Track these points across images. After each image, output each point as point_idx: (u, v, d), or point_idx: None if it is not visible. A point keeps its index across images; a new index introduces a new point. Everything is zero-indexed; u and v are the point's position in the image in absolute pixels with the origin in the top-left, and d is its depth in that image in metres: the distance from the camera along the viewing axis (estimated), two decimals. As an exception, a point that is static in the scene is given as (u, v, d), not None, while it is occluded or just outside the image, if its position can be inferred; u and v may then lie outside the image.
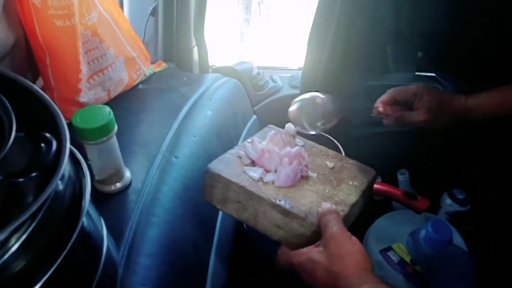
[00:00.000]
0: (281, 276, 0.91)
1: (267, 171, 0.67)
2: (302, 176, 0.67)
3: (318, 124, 0.72)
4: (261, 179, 0.65)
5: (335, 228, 0.56)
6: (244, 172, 0.66)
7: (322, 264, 0.54)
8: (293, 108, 0.72)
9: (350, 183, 0.69)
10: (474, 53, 0.98)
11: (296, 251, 0.59)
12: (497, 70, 0.87)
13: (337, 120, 0.72)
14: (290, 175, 0.65)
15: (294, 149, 0.69)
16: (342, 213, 0.61)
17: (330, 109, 0.72)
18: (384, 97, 0.83)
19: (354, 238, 0.56)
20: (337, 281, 0.52)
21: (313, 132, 0.74)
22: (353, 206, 0.64)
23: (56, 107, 0.44)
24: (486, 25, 0.93)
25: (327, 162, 0.73)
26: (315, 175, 0.69)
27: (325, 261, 0.54)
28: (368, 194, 0.73)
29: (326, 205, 0.60)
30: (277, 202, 0.60)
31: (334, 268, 0.53)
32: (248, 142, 0.70)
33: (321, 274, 0.54)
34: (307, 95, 0.73)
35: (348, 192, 0.67)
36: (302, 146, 0.76)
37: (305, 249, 0.58)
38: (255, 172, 0.66)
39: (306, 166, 0.69)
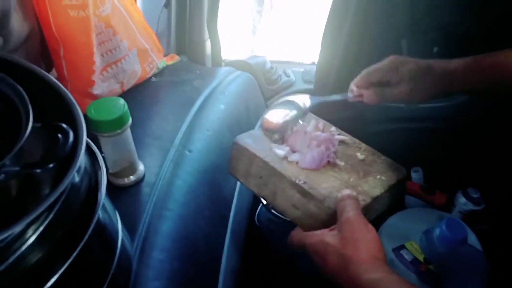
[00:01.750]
0: (293, 274, 0.91)
1: (294, 151, 0.66)
2: (328, 162, 0.66)
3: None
4: (286, 157, 0.64)
5: (351, 213, 0.54)
6: (270, 149, 0.65)
7: (334, 247, 0.52)
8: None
9: (378, 177, 0.67)
10: (492, 50, 0.96)
11: (309, 232, 0.57)
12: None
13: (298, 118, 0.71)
14: (316, 158, 0.64)
15: (324, 134, 0.68)
16: (362, 203, 0.59)
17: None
18: (357, 80, 0.77)
19: (370, 225, 0.54)
20: (348, 266, 0.49)
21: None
22: (375, 199, 0.62)
23: (72, 98, 0.44)
24: (508, 21, 0.91)
25: (358, 154, 0.71)
26: (342, 163, 0.67)
27: (338, 244, 0.52)
28: (396, 193, 0.70)
29: (346, 191, 0.58)
30: (297, 181, 0.59)
31: (346, 252, 0.50)
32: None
33: (332, 257, 0.51)
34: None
35: (374, 185, 0.65)
36: (336, 133, 0.74)
37: (318, 231, 0.56)
38: (282, 150, 0.65)
39: (334, 153, 0.67)
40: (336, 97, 0.79)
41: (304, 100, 0.73)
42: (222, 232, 0.77)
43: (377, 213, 0.66)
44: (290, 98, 0.73)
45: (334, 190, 0.60)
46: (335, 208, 0.56)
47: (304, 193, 0.59)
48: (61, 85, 0.44)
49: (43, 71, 0.45)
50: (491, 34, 0.96)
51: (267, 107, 1.18)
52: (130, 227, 0.60)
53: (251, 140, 0.66)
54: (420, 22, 1.04)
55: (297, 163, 0.64)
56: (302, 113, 0.72)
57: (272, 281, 0.97)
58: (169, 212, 0.66)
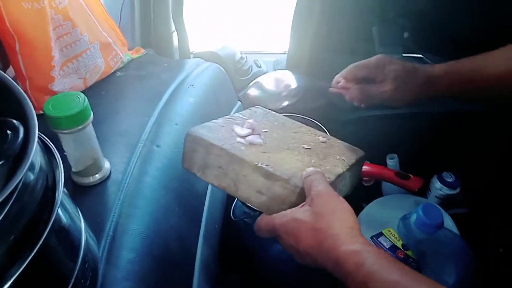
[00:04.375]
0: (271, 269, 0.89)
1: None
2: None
3: (279, 101, 0.70)
4: (244, 142, 0.63)
5: (320, 186, 0.52)
6: (227, 137, 0.63)
7: (307, 223, 0.49)
8: (250, 89, 0.69)
9: (338, 157, 0.67)
10: (461, 33, 0.96)
11: (279, 213, 0.54)
12: (486, 51, 0.85)
13: (298, 97, 0.70)
14: None
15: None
16: (328, 180, 0.57)
17: (290, 85, 0.70)
18: (343, 72, 0.79)
19: (341, 197, 0.52)
20: (324, 240, 0.47)
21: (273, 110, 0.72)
22: (339, 176, 0.61)
23: (22, 92, 0.40)
24: (474, 4, 0.91)
25: (319, 138, 0.72)
26: (301, 147, 0.67)
27: (311, 219, 0.49)
28: (356, 174, 0.70)
29: (311, 169, 0.56)
30: (260, 164, 0.57)
31: (321, 225, 0.48)
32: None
33: (305, 234, 0.49)
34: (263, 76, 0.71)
35: (335, 164, 0.64)
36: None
37: (288, 211, 0.53)
38: (243, 130, 0.64)
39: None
40: (320, 83, 0.78)
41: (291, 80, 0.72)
42: (195, 228, 0.74)
43: (341, 194, 0.65)
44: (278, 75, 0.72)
45: (298, 170, 0.58)
46: (302, 186, 0.55)
47: (268, 175, 0.56)
48: (9, 77, 0.41)
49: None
50: (460, 18, 0.96)
51: (238, 99, 1.16)
52: (97, 227, 0.58)
53: (205, 130, 0.63)
54: (390, 9, 1.04)
55: (256, 147, 0.62)
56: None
57: (249, 277, 0.95)
58: (138, 210, 0.63)
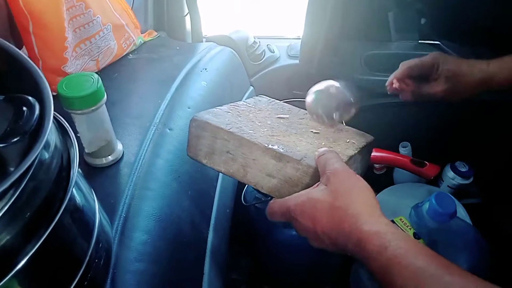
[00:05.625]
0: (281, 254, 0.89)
1: None
2: None
3: (335, 115, 0.68)
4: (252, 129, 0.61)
5: (337, 164, 0.49)
6: (234, 122, 0.61)
7: (324, 202, 0.46)
8: (309, 100, 0.67)
9: (348, 141, 0.65)
10: (481, 20, 0.94)
11: (293, 195, 0.51)
12: (504, 37, 0.83)
13: (356, 109, 0.68)
14: None
15: None
16: None
17: (347, 98, 0.68)
18: (397, 73, 0.76)
19: (359, 175, 0.49)
20: (343, 219, 0.44)
21: (331, 125, 0.70)
22: (351, 158, 0.60)
23: (38, 70, 0.40)
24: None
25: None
26: (310, 131, 0.65)
27: (328, 198, 0.46)
28: (366, 159, 0.69)
29: (324, 148, 0.54)
30: (270, 146, 0.55)
31: (339, 204, 0.45)
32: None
33: (322, 214, 0.46)
34: (323, 85, 0.68)
35: (346, 147, 0.62)
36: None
37: (302, 191, 0.50)
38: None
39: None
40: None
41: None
42: (207, 212, 0.74)
43: None
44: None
45: (310, 152, 0.56)
46: (315, 167, 0.52)
47: (280, 157, 0.54)
48: (23, 55, 0.40)
49: (5, 42, 0.42)
50: (479, 4, 0.94)
51: (251, 84, 1.15)
52: (109, 208, 0.58)
53: (211, 116, 0.61)
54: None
55: (265, 131, 0.60)
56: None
57: (258, 262, 0.95)
58: (151, 192, 0.63)
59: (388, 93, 0.78)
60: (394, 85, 0.77)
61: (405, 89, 0.76)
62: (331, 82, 0.68)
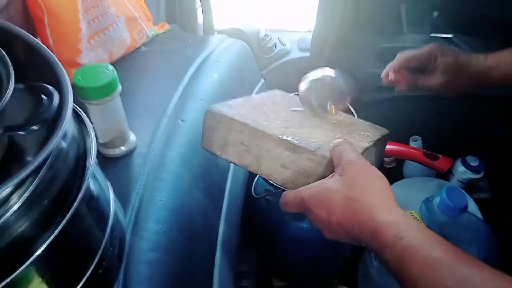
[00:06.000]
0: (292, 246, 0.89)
1: None
2: None
3: (328, 105, 0.67)
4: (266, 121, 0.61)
5: (352, 155, 0.49)
6: (248, 114, 0.61)
7: (339, 192, 0.46)
8: (302, 88, 0.67)
9: (362, 133, 0.64)
10: (493, 13, 0.93)
11: (307, 185, 0.50)
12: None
13: (350, 99, 0.67)
14: None
15: None
16: None
17: (342, 88, 0.67)
18: (394, 64, 0.75)
19: (374, 166, 0.49)
20: (358, 210, 0.44)
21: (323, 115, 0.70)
22: (366, 150, 0.59)
23: (57, 60, 0.40)
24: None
25: (337, 117, 0.70)
26: (324, 124, 0.65)
27: (343, 188, 0.46)
28: (380, 152, 0.68)
29: (339, 140, 0.54)
30: (284, 137, 0.55)
31: (355, 194, 0.45)
32: None
33: (338, 204, 0.45)
34: (317, 74, 0.68)
35: (360, 139, 0.62)
36: None
37: (317, 182, 0.50)
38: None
39: None
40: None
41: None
42: (218, 204, 0.75)
43: None
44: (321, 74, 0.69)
45: (324, 143, 0.56)
46: (329, 158, 0.52)
47: (294, 148, 0.55)
48: (43, 45, 0.41)
49: (23, 31, 0.42)
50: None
51: (262, 76, 1.15)
52: (123, 198, 0.58)
53: (226, 108, 0.61)
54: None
55: (279, 123, 0.61)
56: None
57: (267, 255, 0.96)
58: (163, 183, 0.63)
59: (383, 85, 0.77)
60: (390, 77, 0.75)
61: (400, 81, 0.75)
62: (326, 72, 0.67)
